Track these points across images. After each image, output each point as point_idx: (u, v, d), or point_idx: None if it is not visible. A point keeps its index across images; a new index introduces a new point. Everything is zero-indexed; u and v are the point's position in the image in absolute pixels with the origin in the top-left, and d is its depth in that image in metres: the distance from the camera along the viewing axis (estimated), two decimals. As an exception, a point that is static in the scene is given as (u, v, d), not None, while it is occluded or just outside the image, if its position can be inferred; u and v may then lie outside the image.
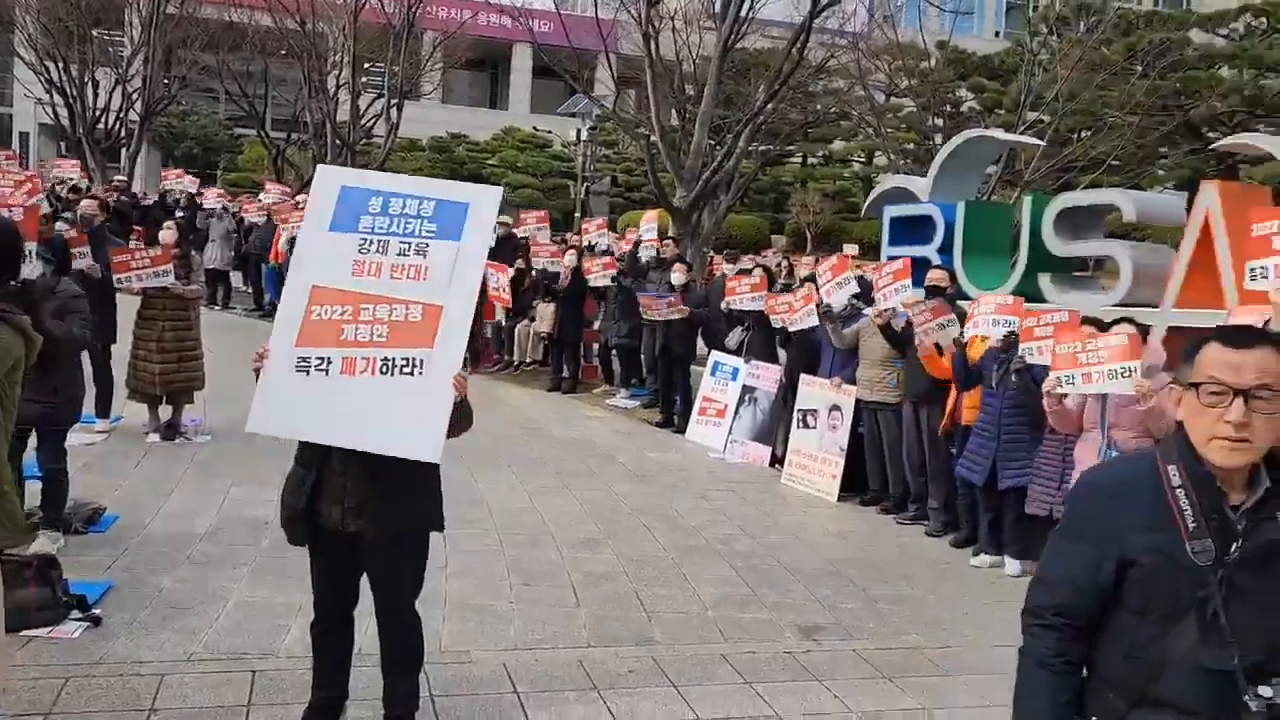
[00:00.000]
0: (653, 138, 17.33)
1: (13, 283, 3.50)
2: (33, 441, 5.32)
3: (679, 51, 19.99)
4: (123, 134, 28.50)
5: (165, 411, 8.09)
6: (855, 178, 39.01)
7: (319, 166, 3.97)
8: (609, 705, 4.07)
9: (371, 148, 28.36)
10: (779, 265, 19.33)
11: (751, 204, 37.41)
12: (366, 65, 28.46)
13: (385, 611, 3.57)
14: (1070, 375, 5.66)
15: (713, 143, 18.26)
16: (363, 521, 3.39)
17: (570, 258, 11.99)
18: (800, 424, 8.50)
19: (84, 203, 9.32)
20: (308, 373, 3.34)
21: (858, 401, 8.00)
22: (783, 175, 40.32)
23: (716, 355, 10.08)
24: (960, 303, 7.69)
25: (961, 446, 6.90)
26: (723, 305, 9.88)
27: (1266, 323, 5.26)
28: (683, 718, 4.02)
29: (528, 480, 7.77)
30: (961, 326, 7.05)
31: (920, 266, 8.38)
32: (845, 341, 8.15)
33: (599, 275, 11.53)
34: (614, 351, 11.98)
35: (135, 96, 27.34)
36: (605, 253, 12.61)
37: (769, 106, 17.23)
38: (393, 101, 25.23)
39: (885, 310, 7.74)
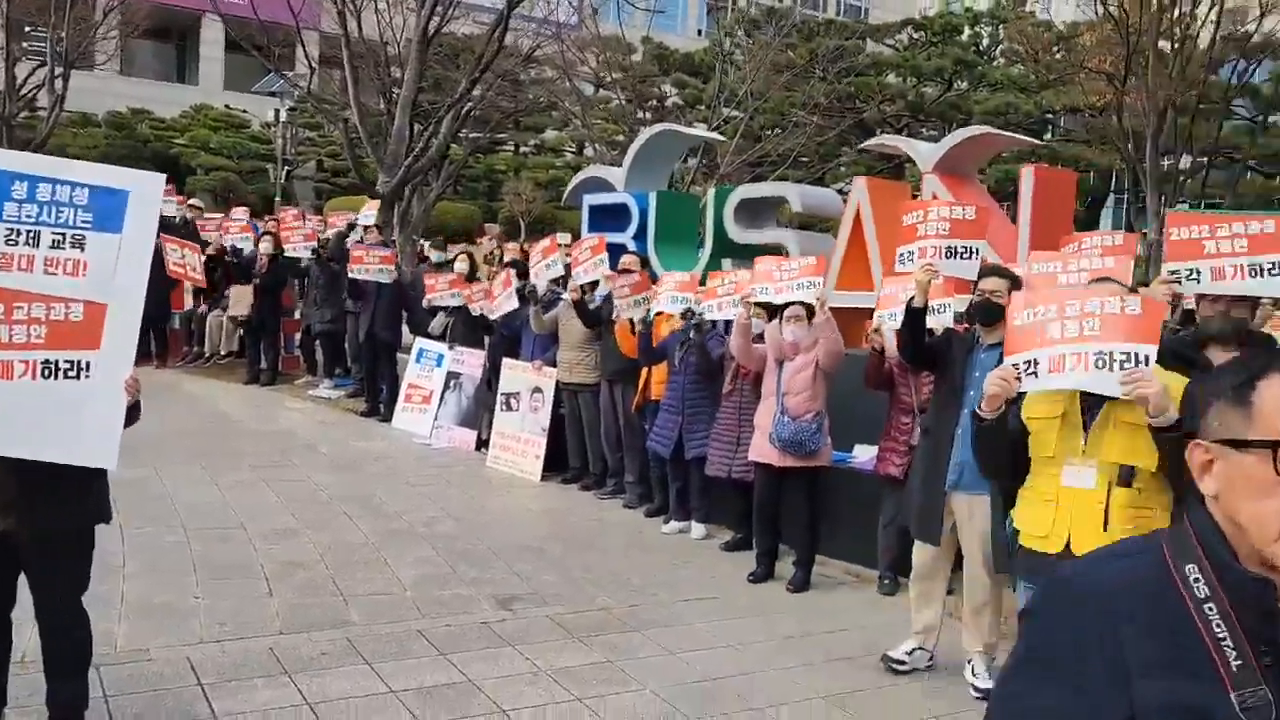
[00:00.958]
0: (352, 120, 16.88)
1: None
2: None
3: (382, 33, 19.54)
4: None
5: None
6: (567, 167, 39.81)
7: None
8: (300, 687, 4.08)
9: (36, 121, 25.49)
10: (492, 253, 19.49)
11: (465, 192, 37.26)
12: (28, 29, 25.53)
13: (45, 611, 3.39)
14: (764, 287, 6.12)
15: (422, 128, 18.04)
16: (10, 520, 3.20)
17: (266, 244, 11.49)
18: (504, 407, 8.71)
19: None
20: None
21: (558, 383, 8.32)
22: (495, 164, 40.44)
23: (421, 342, 10.09)
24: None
25: (652, 422, 7.39)
26: (424, 302, 9.85)
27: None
28: (374, 691, 4.10)
29: (220, 475, 7.45)
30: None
31: (616, 251, 8.84)
32: (545, 326, 8.43)
33: (299, 246, 11.13)
34: (317, 340, 11.63)
35: None
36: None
37: (474, 93, 17.25)
38: (57, 70, 22.78)
39: (580, 285, 7.99)
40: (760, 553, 6.16)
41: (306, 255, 11.16)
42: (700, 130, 16.74)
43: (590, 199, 10.88)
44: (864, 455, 6.54)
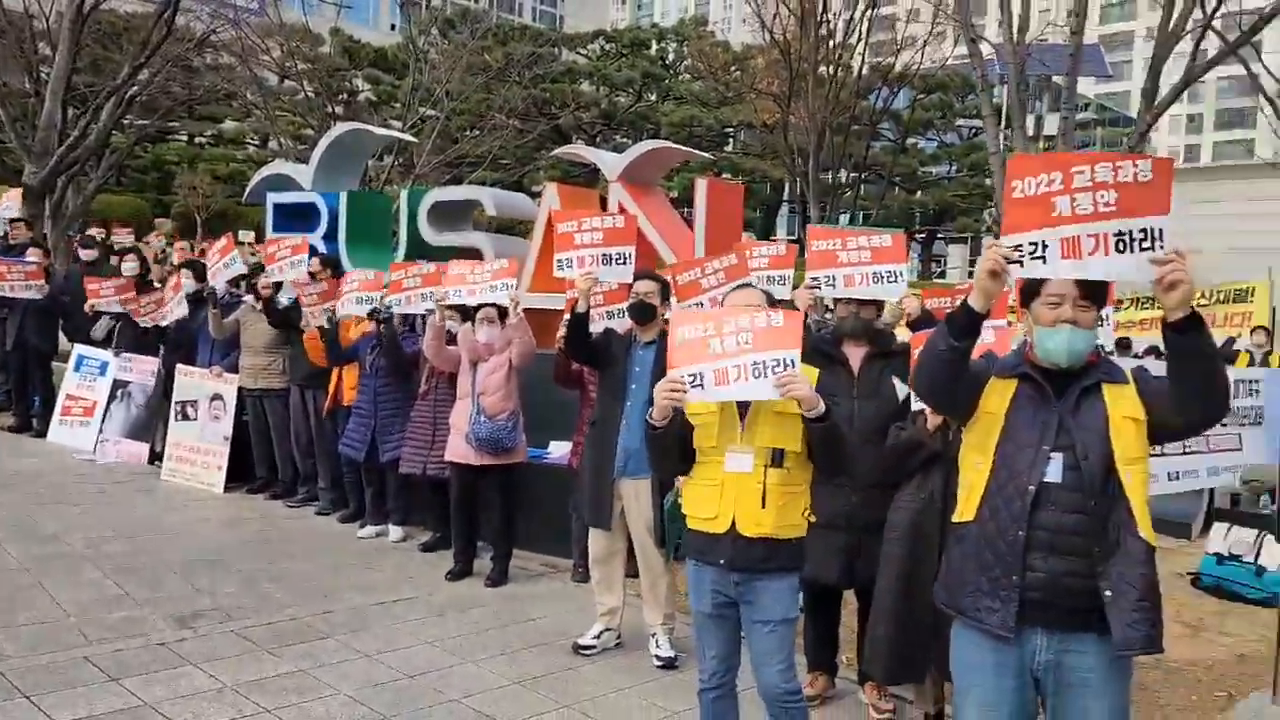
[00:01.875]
0: (-7, 101, 15.05)
1: None
2: None
3: (28, 5, 17.51)
4: None
5: None
6: (249, 160, 37.60)
7: None
8: (-61, 735, 3.68)
9: None
10: (163, 251, 18.06)
11: (131, 183, 34.17)
12: None
13: None
14: (457, 290, 6.19)
15: (78, 112, 16.37)
16: None
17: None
18: (180, 416, 8.17)
19: None
20: None
21: (240, 389, 7.93)
22: (167, 154, 37.44)
23: (81, 349, 9.20)
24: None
25: (344, 426, 7.24)
26: (86, 307, 8.97)
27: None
28: (34, 727, 3.78)
29: None
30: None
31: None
32: (225, 330, 8.00)
33: None
34: (-49, 348, 10.26)
35: None
36: None
37: (140, 78, 15.90)
38: None
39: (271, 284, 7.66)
40: (457, 550, 6.25)
41: None
42: (393, 131, 16.45)
43: (275, 197, 10.42)
44: (558, 450, 6.80)
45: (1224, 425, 4.59)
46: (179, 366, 8.26)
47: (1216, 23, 15.31)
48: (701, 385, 3.22)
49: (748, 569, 3.32)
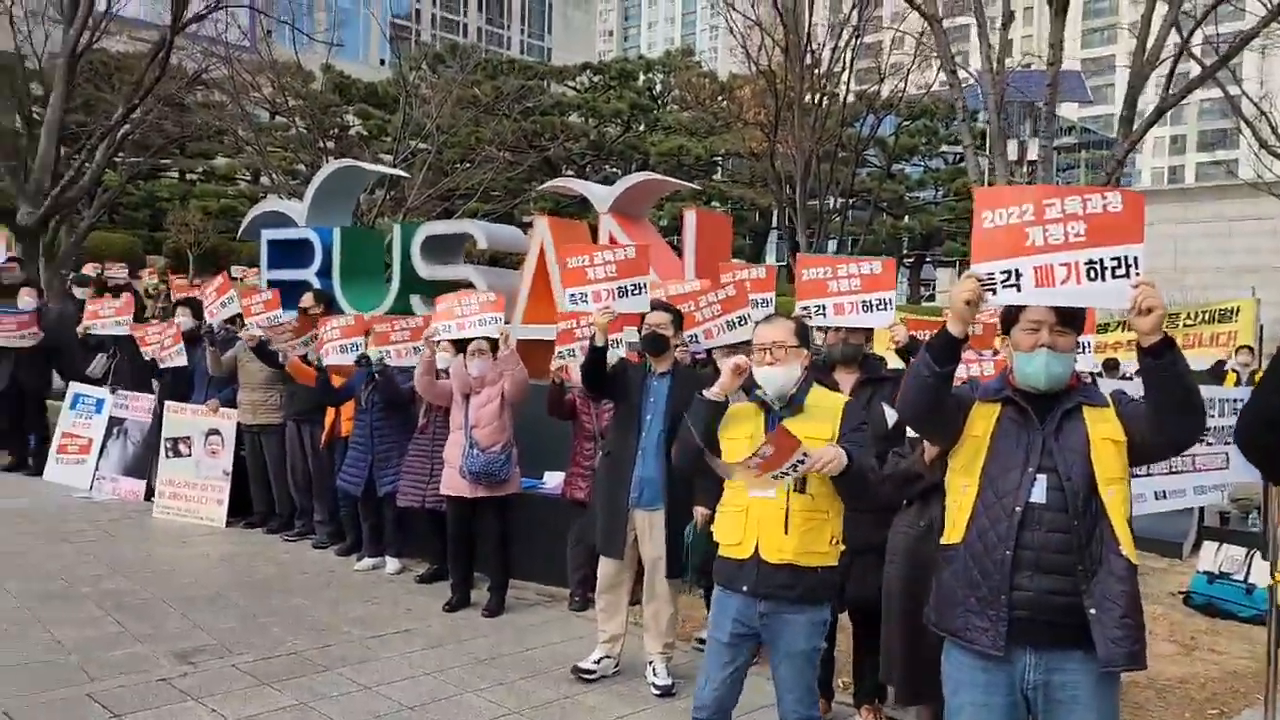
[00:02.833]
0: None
1: None
2: None
3: (20, 45, 17.65)
4: None
5: None
6: (241, 196, 37.75)
7: None
8: (-56, 774, 3.70)
9: None
10: (156, 287, 18.12)
11: (123, 221, 34.23)
12: None
13: None
14: (447, 325, 6.26)
15: (70, 152, 16.47)
16: None
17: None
18: (171, 453, 8.20)
19: None
20: None
21: (239, 425, 7.97)
22: (158, 190, 37.53)
23: (77, 386, 9.24)
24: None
25: (342, 460, 7.28)
26: (80, 328, 9.05)
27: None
28: (37, 765, 3.80)
29: None
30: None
31: (300, 288, 8.64)
32: (224, 368, 8.06)
33: None
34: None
35: None
36: None
37: (133, 116, 16.02)
38: None
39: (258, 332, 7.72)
40: (455, 582, 6.28)
41: None
42: (384, 167, 16.59)
43: (269, 234, 10.50)
44: (553, 481, 6.86)
45: (1209, 444, 4.69)
46: (168, 404, 8.30)
47: (1196, 49, 15.62)
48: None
49: (771, 596, 3.36)
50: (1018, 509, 2.72)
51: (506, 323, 8.42)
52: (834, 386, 4.55)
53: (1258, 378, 10.47)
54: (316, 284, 9.47)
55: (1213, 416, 4.53)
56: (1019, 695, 2.76)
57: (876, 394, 4.47)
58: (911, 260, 49.90)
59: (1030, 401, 2.81)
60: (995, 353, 4.31)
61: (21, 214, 14.49)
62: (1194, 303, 12.17)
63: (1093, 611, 2.64)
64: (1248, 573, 6.80)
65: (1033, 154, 17.60)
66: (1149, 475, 4.42)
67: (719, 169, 48.35)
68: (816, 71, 25.89)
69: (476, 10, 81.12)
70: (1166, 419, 2.65)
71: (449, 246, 10.06)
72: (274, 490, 7.97)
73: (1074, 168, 53.12)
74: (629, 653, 5.17)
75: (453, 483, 6.14)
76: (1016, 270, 2.69)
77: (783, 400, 3.50)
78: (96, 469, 8.90)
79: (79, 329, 9.03)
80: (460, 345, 6.39)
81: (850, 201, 33.51)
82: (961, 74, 16.84)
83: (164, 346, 8.46)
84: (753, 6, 27.67)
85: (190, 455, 8.14)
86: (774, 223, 47.14)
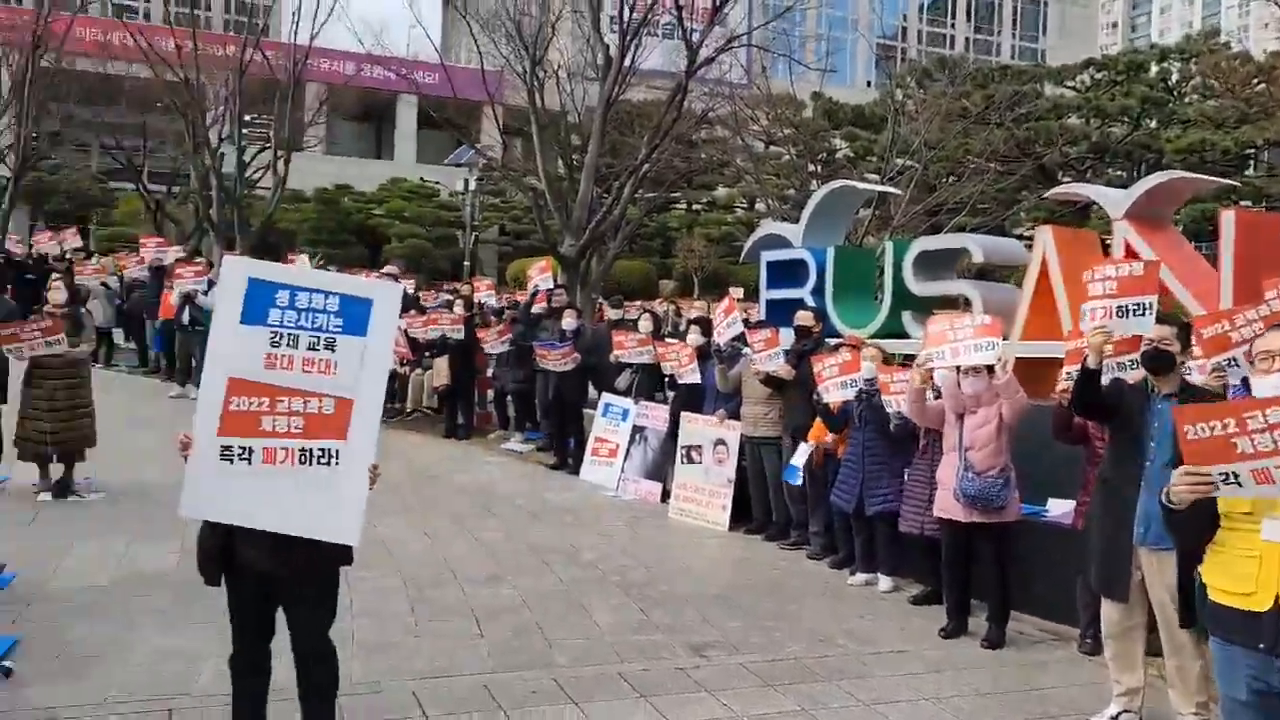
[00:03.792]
0: (539, 187, 17.80)
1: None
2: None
3: (563, 102, 20.60)
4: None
5: (56, 470, 8.04)
6: (739, 223, 40.30)
7: (225, 258, 4.22)
8: (514, 723, 4.38)
9: (254, 200, 28.05)
10: (666, 311, 19.99)
11: (639, 250, 38.22)
12: (248, 117, 28.27)
13: (302, 642, 3.81)
14: (940, 351, 6.08)
15: (600, 191, 18.85)
16: (275, 560, 3.65)
17: (459, 307, 12.27)
18: (685, 460, 8.96)
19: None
20: (231, 461, 3.58)
21: (741, 436, 8.51)
22: (669, 221, 41.34)
23: (607, 397, 10.50)
24: (829, 339, 8.30)
25: (834, 476, 7.44)
26: (611, 358, 10.26)
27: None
28: (584, 730, 4.36)
29: (426, 523, 8.01)
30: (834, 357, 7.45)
31: (795, 307, 9.04)
32: (730, 383, 8.65)
33: (495, 343, 11.71)
34: (508, 397, 12.26)
35: (6, 153, 26.30)
36: (497, 313, 12.63)
37: (653, 156, 17.91)
38: (279, 154, 25.07)
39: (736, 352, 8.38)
40: (950, 607, 6.10)
41: (505, 348, 11.63)
42: (875, 184, 16.75)
43: (768, 255, 11.07)
44: (1057, 509, 6.39)
45: None
46: (684, 414, 9.10)
47: None
48: (1238, 484, 2.81)
49: None
50: None
51: (1004, 339, 8.07)
52: None
53: None
54: (810, 302, 9.79)
55: None
56: None
57: None
58: None
59: None
60: None
61: (565, 246, 16.91)
62: None
63: None
64: None
65: None
66: None
67: (1253, 163, 41.87)
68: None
69: (965, 20, 78.77)
70: None
71: (941, 261, 9.84)
72: (771, 500, 8.37)
73: None
74: (1151, 710, 4.64)
75: (946, 504, 5.98)
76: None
77: None
78: (622, 471, 10.02)
79: (611, 357, 10.25)
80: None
81: None
82: None
83: (680, 364, 9.30)
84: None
85: (701, 462, 8.85)
86: (1331, 221, 39.64)
